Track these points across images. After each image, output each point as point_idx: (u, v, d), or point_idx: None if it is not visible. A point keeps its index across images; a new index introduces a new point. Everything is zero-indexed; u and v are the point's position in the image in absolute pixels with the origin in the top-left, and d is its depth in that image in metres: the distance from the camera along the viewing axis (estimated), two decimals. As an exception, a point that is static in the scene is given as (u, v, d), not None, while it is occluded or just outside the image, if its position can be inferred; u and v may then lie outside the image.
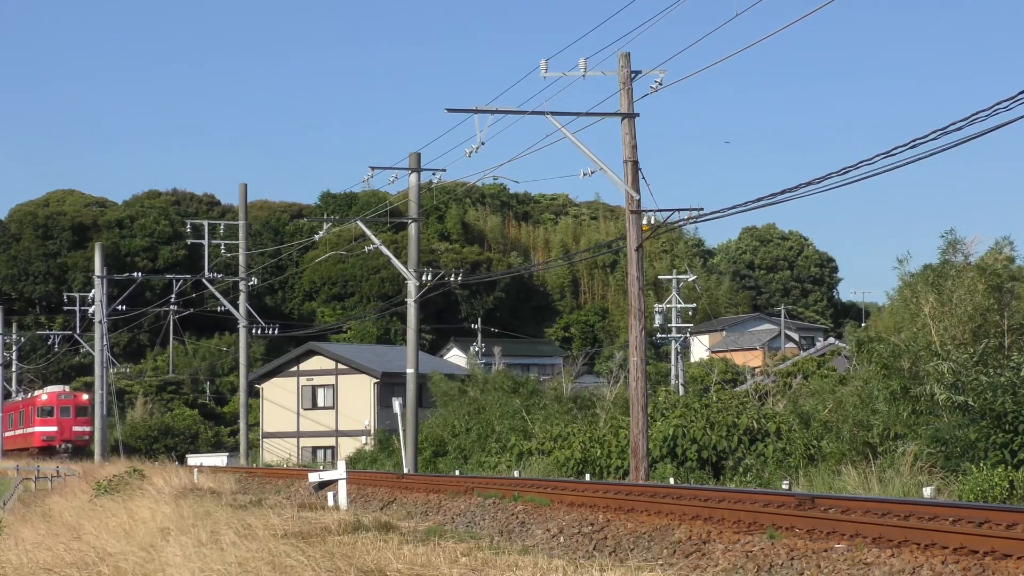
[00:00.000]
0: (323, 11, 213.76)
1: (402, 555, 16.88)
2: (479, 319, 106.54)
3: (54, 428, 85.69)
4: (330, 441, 77.03)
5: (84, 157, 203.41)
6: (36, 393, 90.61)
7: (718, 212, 30.29)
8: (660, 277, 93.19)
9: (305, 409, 77.35)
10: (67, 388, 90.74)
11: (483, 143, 32.45)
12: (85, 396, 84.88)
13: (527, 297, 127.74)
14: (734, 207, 28.80)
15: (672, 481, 32.69)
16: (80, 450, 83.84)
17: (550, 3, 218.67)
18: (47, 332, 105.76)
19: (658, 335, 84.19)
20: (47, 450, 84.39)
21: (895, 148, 22.92)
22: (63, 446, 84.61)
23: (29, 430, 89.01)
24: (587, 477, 36.15)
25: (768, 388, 48.42)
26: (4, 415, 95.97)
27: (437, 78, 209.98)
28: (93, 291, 70.98)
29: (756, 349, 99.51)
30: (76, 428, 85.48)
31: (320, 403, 78.14)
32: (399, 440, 45.64)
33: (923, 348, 31.44)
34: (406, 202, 46.42)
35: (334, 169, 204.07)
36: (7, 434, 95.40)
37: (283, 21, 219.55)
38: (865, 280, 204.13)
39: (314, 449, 77.19)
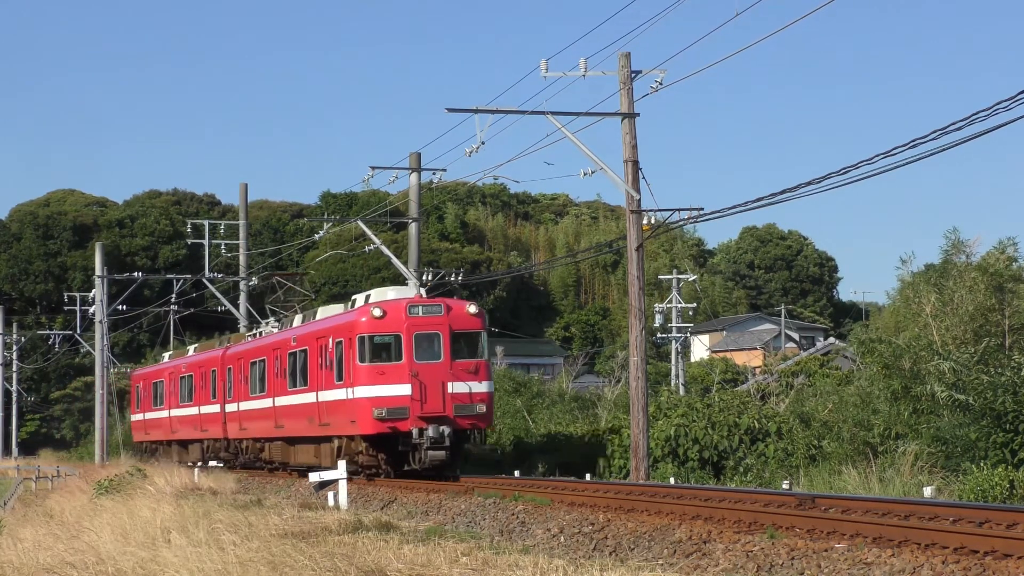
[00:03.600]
0: (323, 11, 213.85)
1: (402, 555, 16.89)
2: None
3: (404, 389, 33.04)
4: (331, 441, 76.44)
5: (84, 157, 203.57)
6: (346, 309, 36.83)
7: (718, 212, 30.37)
8: (660, 277, 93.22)
9: (306, 409, 76.68)
10: (422, 291, 36.46)
11: (483, 143, 32.44)
12: (472, 308, 34.79)
13: (528, 297, 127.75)
14: (734, 207, 28.87)
15: (673, 481, 32.70)
16: (461, 439, 34.09)
17: (550, 3, 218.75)
18: (47, 332, 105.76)
19: (658, 335, 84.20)
20: (385, 443, 33.62)
21: (895, 148, 22.99)
22: (432, 433, 32.59)
23: (332, 395, 35.01)
24: (588, 477, 36.17)
25: (770, 388, 48.44)
26: (237, 364, 44.82)
27: (437, 78, 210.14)
28: (93, 291, 70.91)
29: (756, 349, 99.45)
30: (456, 388, 33.39)
31: (321, 403, 77.50)
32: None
33: (924, 348, 31.48)
34: (406, 202, 46.43)
35: (334, 169, 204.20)
36: (254, 405, 42.67)
37: (283, 21, 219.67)
38: (865, 280, 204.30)
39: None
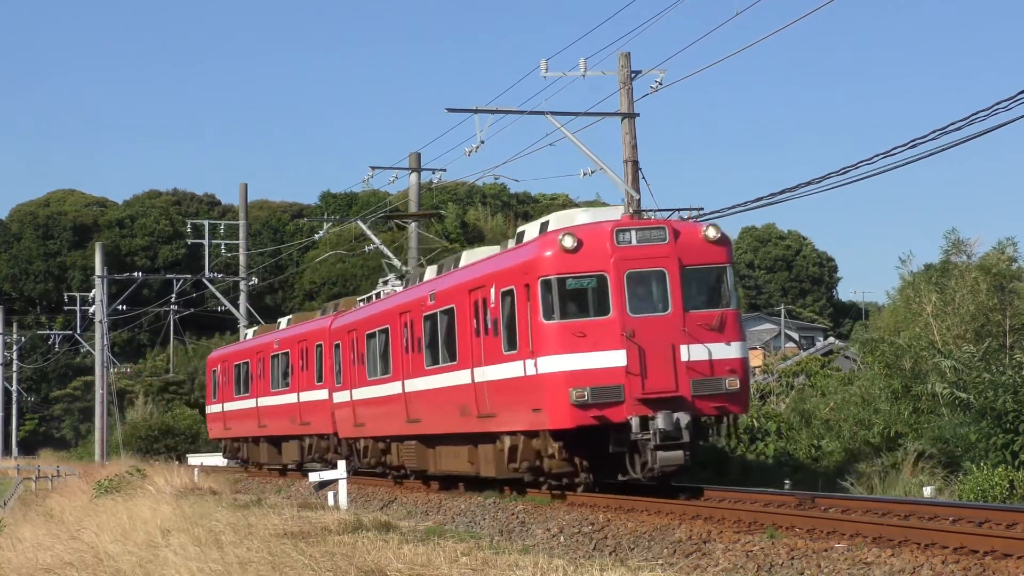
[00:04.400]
0: (323, 11, 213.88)
1: (402, 555, 16.88)
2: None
3: (616, 358, 21.44)
4: (331, 441, 76.06)
5: (84, 157, 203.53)
6: (505, 248, 25.32)
7: (718, 212, 30.30)
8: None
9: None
10: (631, 209, 25.64)
11: (483, 143, 32.42)
12: (711, 231, 22.48)
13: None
14: (734, 207, 28.85)
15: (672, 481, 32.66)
16: (702, 432, 22.67)
17: (550, 3, 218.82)
18: (47, 332, 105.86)
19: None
20: (585, 440, 22.33)
21: (895, 148, 22.98)
22: (663, 423, 21.18)
23: (499, 372, 23.54)
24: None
25: (771, 387, 48.45)
26: (348, 338, 33.41)
27: (437, 78, 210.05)
28: (93, 291, 70.93)
29: (756, 349, 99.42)
30: (694, 353, 21.88)
31: (321, 402, 76.90)
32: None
33: (925, 347, 31.51)
34: (406, 202, 46.41)
35: (334, 169, 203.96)
36: (371, 392, 31.46)
37: (283, 21, 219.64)
38: (865, 280, 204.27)
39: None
